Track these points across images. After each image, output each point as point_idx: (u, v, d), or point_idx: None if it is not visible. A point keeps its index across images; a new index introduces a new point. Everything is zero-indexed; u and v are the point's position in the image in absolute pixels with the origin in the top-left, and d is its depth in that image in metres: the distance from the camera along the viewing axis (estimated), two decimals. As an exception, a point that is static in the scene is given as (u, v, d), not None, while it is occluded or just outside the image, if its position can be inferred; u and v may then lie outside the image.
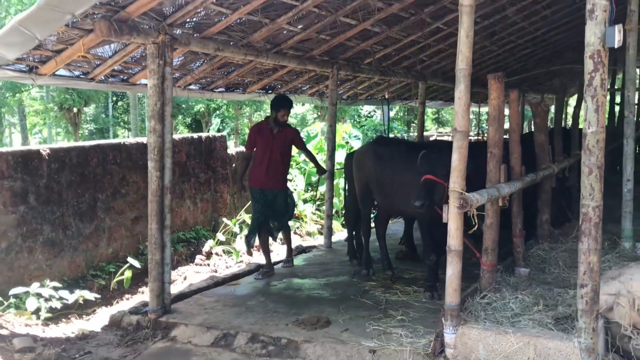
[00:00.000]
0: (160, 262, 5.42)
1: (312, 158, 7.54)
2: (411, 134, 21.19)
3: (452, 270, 4.30)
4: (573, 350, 3.94)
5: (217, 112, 21.53)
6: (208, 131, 20.55)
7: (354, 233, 7.38)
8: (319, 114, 25.44)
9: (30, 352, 4.70)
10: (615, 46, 3.82)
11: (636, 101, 7.12)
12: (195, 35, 5.67)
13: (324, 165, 7.82)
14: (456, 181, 4.22)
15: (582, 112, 9.17)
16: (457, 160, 4.23)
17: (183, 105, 19.38)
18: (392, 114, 25.79)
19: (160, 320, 5.38)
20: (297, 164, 11.37)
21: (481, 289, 4.99)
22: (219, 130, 23.70)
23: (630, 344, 4.17)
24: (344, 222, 10.25)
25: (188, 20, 5.49)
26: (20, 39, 4.54)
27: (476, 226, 4.50)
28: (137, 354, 4.91)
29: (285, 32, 6.52)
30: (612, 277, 4.33)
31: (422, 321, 5.08)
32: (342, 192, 10.28)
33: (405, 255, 7.37)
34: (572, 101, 27.60)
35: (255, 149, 6.80)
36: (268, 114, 7.00)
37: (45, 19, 4.41)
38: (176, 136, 8.90)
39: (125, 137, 28.38)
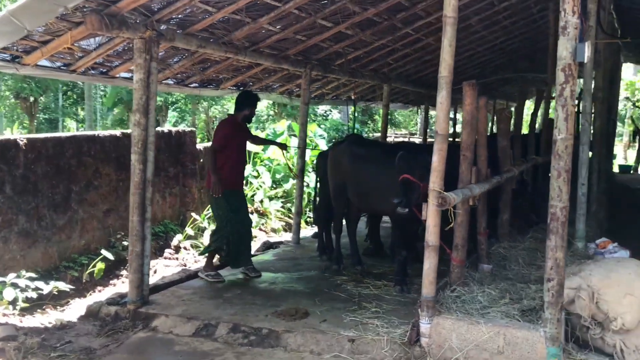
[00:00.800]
0: (140, 254, 5.51)
1: (266, 141, 8.12)
2: (367, 133, 21.59)
3: (429, 264, 4.59)
4: (539, 339, 4.28)
5: (175, 105, 21.38)
6: (164, 125, 20.38)
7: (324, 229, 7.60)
8: (276, 111, 25.57)
9: (13, 341, 4.73)
10: (585, 61, 4.19)
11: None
12: (178, 31, 5.76)
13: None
14: (435, 181, 4.50)
15: (539, 119, 9.62)
16: (437, 162, 4.51)
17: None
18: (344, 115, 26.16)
19: (140, 311, 5.46)
20: (261, 161, 11.50)
21: (451, 283, 5.29)
22: (175, 124, 23.50)
23: (588, 334, 4.54)
24: (308, 220, 10.49)
25: (173, 16, 5.58)
26: (9, 28, 4.55)
27: (452, 223, 4.80)
28: (119, 344, 5.00)
29: (264, 31, 6.67)
30: (573, 272, 4.70)
31: (395, 313, 5.36)
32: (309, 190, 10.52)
33: (372, 252, 7.65)
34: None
35: (225, 149, 6.44)
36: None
37: (38, 10, 4.45)
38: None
39: (74, 130, 27.71)
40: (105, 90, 21.26)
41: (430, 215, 4.53)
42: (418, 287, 5.99)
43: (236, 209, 6.54)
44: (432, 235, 4.55)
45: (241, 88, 8.39)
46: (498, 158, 6.61)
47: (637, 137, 24.99)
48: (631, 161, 25.13)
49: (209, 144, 9.78)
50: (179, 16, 5.67)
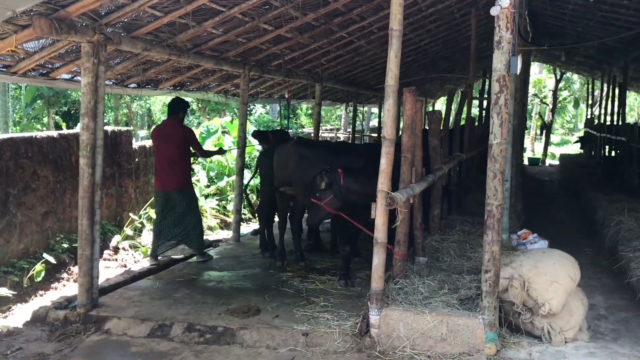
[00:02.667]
0: (90, 257, 5.52)
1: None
2: (295, 129, 21.86)
3: (378, 259, 4.91)
4: (478, 326, 4.71)
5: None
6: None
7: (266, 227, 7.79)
8: (200, 106, 25.34)
9: (-38, 350, 4.64)
10: (517, 73, 4.63)
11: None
12: (125, 35, 5.78)
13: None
14: (383, 182, 4.82)
15: (452, 116, 10.11)
16: (385, 164, 4.83)
17: (57, 94, 18.43)
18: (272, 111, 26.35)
19: (91, 314, 5.47)
20: (193, 160, 11.49)
21: (394, 276, 5.65)
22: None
23: (519, 319, 5.03)
24: (243, 217, 10.62)
25: (120, 20, 5.59)
26: (-47, 31, 4.47)
27: (397, 221, 5.14)
28: (72, 348, 5.00)
29: (206, 34, 6.77)
30: (505, 263, 5.16)
31: (342, 306, 5.66)
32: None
33: (313, 248, 7.92)
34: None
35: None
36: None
37: (-15, 14, 4.39)
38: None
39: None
40: (19, 84, 20.33)
41: (379, 214, 4.85)
42: (360, 281, 6.40)
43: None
44: (380, 232, 4.87)
45: (179, 89, 8.42)
46: (429, 156, 7.05)
47: (544, 131, 26.69)
48: (538, 154, 26.82)
49: (143, 143, 9.74)
50: (125, 20, 5.69)
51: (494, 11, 4.51)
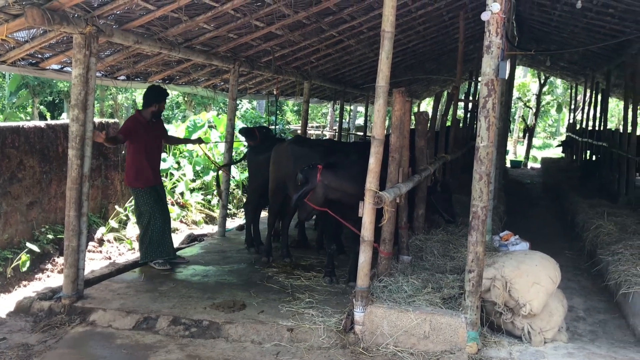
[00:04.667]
0: (76, 249, 5.52)
1: (180, 140, 8.72)
2: (279, 126, 21.85)
3: (364, 257, 4.98)
4: (461, 325, 4.80)
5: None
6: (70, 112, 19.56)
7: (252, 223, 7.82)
8: (186, 99, 25.24)
9: (-54, 339, 4.62)
10: (506, 77, 4.72)
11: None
12: (116, 27, 5.78)
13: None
14: (372, 181, 4.89)
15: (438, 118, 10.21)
16: (374, 163, 4.89)
17: (43, 83, 18.24)
18: (259, 107, 26.33)
19: (76, 305, 5.47)
20: (180, 153, 11.49)
21: (378, 274, 5.72)
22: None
23: (500, 319, 5.13)
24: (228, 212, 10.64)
25: (113, 13, 5.59)
26: (-56, 19, 4.45)
27: (384, 220, 5.22)
28: (57, 339, 5.00)
29: (197, 29, 6.78)
30: (488, 264, 5.26)
31: (327, 302, 5.72)
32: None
33: (298, 244, 7.98)
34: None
35: (133, 145, 6.57)
36: (134, 97, 7.22)
37: (-22, 2, 4.38)
38: (67, 120, 8.72)
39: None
40: (3, 72, 20.08)
41: (366, 213, 4.91)
42: (345, 277, 6.47)
43: (156, 202, 6.73)
44: (367, 231, 4.93)
45: (168, 82, 8.41)
46: (414, 156, 7.12)
47: (527, 134, 26.99)
48: (520, 156, 27.13)
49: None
50: (117, 12, 5.68)
51: (484, 16, 4.59)
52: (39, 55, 6.08)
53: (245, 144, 8.88)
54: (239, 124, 13.58)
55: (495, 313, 5.14)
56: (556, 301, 5.22)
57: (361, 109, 26.59)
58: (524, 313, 4.95)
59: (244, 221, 8.32)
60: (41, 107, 18.96)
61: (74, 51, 5.28)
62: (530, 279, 5.03)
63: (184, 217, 10.11)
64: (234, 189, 11.18)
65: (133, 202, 6.99)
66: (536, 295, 4.98)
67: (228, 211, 10.62)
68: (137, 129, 6.55)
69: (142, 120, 6.63)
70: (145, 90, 6.88)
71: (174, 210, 9.55)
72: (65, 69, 6.58)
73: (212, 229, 9.76)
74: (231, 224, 9.84)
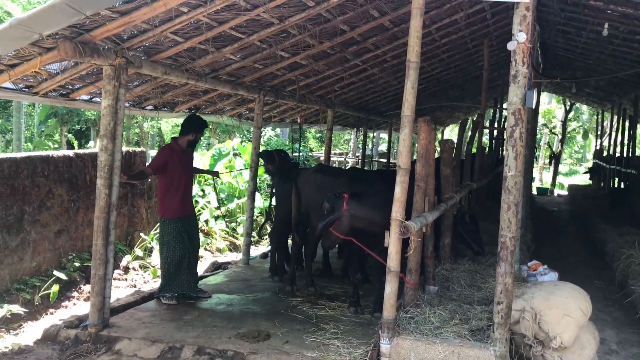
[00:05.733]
0: (103, 277, 5.55)
1: (200, 170, 8.49)
2: (303, 153, 21.98)
3: (391, 288, 4.91)
4: (490, 357, 4.69)
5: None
6: (97, 140, 19.88)
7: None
8: (210, 127, 25.55)
9: (-25, 368, 4.67)
10: (533, 106, 4.68)
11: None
12: (144, 58, 5.89)
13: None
14: (398, 211, 4.85)
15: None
16: (400, 193, 4.86)
17: (71, 112, 18.63)
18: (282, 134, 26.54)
19: (102, 334, 5.49)
20: (205, 181, 11.59)
21: (405, 305, 5.65)
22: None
23: (530, 352, 5.01)
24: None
25: (141, 44, 5.70)
26: (-20, 53, 4.58)
27: (410, 250, 5.17)
28: (83, 368, 5.02)
29: (224, 59, 6.88)
30: (517, 295, 5.16)
31: (353, 333, 5.65)
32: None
33: (322, 273, 7.93)
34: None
35: (164, 175, 6.51)
36: (160, 125, 7.15)
37: (14, 36, 4.49)
38: (94, 149, 8.89)
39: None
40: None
41: (392, 243, 4.87)
42: (370, 308, 6.39)
43: (179, 234, 6.56)
44: (393, 261, 4.88)
45: (194, 111, 8.52)
46: (440, 184, 7.06)
47: (553, 161, 26.70)
48: (546, 183, 26.81)
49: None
50: (146, 44, 5.80)
51: (510, 46, 4.57)
52: (70, 86, 6.21)
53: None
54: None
55: (524, 346, 5.03)
56: (587, 334, 5.09)
57: (384, 135, 26.63)
58: (554, 346, 4.83)
59: (269, 249, 8.30)
60: (69, 135, 19.35)
61: (103, 82, 5.39)
62: (561, 310, 4.92)
63: (208, 244, 10.15)
64: (257, 217, 11.20)
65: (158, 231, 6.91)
66: (567, 327, 4.87)
67: (252, 239, 10.67)
68: (172, 158, 6.50)
69: (177, 149, 6.60)
70: (185, 118, 6.82)
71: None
72: (94, 99, 6.71)
73: (236, 256, 9.76)
74: (256, 251, 9.83)
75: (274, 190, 8.13)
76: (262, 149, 13.38)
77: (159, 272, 8.18)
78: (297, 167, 8.24)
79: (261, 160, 8.26)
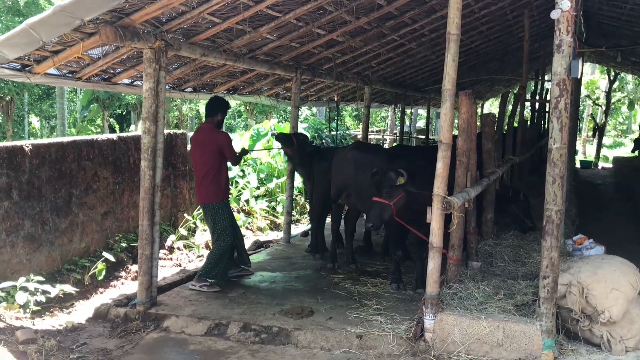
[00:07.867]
0: (149, 257, 5.69)
1: None
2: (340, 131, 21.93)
3: (434, 264, 4.90)
4: (536, 332, 4.66)
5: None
6: (138, 123, 20.27)
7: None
8: (248, 108, 25.72)
9: (33, 344, 4.86)
10: (579, 76, 4.55)
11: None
12: (182, 40, 5.94)
13: None
14: (440, 186, 4.81)
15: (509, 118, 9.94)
16: (441, 168, 4.82)
17: (112, 97, 19.00)
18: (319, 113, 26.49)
19: (150, 312, 5.64)
20: (244, 161, 11.68)
21: (448, 281, 5.63)
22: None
23: (577, 326, 4.94)
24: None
25: (180, 27, 5.75)
26: (26, 40, 4.68)
27: (453, 225, 5.13)
28: (133, 344, 5.17)
29: (261, 39, 6.88)
30: (563, 270, 5.08)
31: (395, 309, 5.67)
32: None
33: (363, 250, 7.95)
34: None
35: (224, 159, 6.45)
36: (199, 107, 6.97)
37: (57, 23, 4.59)
38: (136, 132, 9.04)
39: (38, 128, 27.16)
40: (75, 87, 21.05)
41: (435, 219, 4.84)
42: (412, 284, 6.39)
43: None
44: (436, 237, 4.86)
45: (232, 93, 8.58)
46: (481, 159, 6.96)
47: (597, 133, 25.97)
48: (590, 156, 26.12)
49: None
50: (184, 26, 5.84)
51: (554, 14, 4.44)
52: (111, 71, 6.32)
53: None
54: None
55: (571, 320, 4.95)
56: (637, 308, 4.98)
57: (422, 111, 26.32)
58: (602, 320, 4.75)
59: (308, 227, 8.33)
60: (110, 119, 19.73)
61: (144, 65, 5.47)
62: (609, 284, 4.82)
63: (249, 224, 10.27)
64: (297, 196, 11.27)
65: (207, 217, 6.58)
66: (615, 301, 4.77)
67: (292, 217, 10.75)
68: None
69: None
70: (209, 101, 6.70)
71: (239, 218, 9.70)
72: (135, 82, 6.82)
73: (277, 235, 9.86)
74: (296, 230, 9.91)
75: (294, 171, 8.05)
76: (300, 129, 13.46)
77: (202, 251, 8.36)
78: (318, 150, 8.12)
79: (279, 144, 8.18)
